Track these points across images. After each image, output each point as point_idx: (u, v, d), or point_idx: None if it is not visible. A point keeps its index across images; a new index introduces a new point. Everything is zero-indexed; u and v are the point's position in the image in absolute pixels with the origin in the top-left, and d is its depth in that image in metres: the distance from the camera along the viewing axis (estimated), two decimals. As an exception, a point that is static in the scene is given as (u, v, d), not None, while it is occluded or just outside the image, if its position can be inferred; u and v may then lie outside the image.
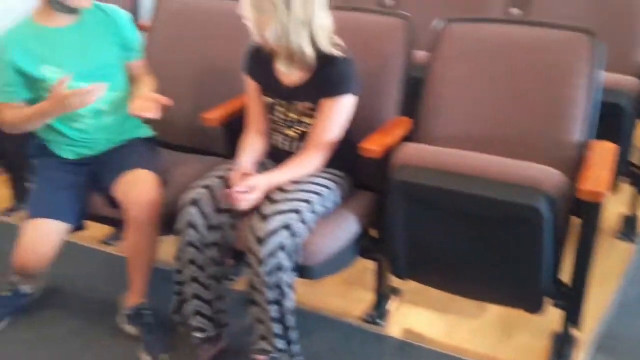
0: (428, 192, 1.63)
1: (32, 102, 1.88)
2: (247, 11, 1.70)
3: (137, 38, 2.02)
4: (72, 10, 1.84)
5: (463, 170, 1.62)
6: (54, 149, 1.94)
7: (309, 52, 1.71)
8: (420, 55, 2.02)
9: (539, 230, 1.51)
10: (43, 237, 1.82)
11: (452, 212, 1.63)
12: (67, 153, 1.93)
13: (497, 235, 1.59)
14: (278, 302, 1.67)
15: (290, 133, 1.85)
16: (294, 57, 1.72)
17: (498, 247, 1.61)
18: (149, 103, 1.84)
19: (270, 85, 1.84)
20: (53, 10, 1.83)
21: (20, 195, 2.63)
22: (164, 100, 1.86)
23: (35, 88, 1.87)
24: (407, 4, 2.82)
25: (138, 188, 1.82)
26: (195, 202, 1.73)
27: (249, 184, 1.68)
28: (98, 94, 1.75)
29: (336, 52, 1.74)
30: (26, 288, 2.03)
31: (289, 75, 1.79)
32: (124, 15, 1.98)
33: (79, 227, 1.93)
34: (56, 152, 1.94)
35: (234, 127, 1.98)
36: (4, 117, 1.85)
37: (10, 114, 1.84)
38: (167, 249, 1.90)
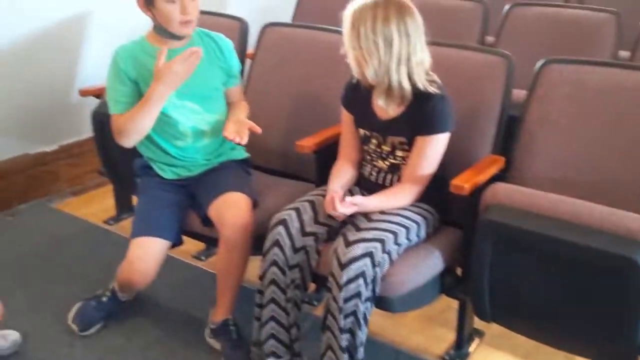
0: (517, 233, 1.59)
1: None
2: (347, 47, 1.73)
3: (238, 65, 2.11)
4: (177, 37, 1.93)
5: (555, 214, 1.57)
6: (156, 169, 2.03)
7: (407, 87, 1.73)
8: (520, 94, 1.99)
9: (635, 282, 1.44)
10: (147, 254, 1.90)
11: (542, 257, 1.58)
12: (168, 173, 2.03)
13: (589, 285, 1.52)
14: (351, 331, 1.67)
15: (381, 165, 1.87)
16: (391, 92, 1.75)
17: (589, 297, 1.54)
18: (242, 128, 1.91)
19: (366, 117, 1.87)
20: (161, 36, 1.94)
21: (123, 206, 2.81)
22: (256, 128, 1.92)
23: None
24: (510, 41, 2.80)
25: (232, 210, 1.88)
26: (283, 222, 1.77)
27: (353, 200, 1.70)
28: (198, 55, 1.80)
29: (432, 89, 1.75)
30: (123, 296, 2.13)
31: (385, 109, 1.81)
32: (228, 43, 2.07)
33: (178, 243, 2.02)
34: (158, 172, 2.03)
35: (326, 155, 2.02)
36: (118, 125, 1.92)
37: (122, 119, 1.90)
38: (255, 269, 1.95)
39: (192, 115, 1.98)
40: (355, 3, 1.73)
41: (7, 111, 2.80)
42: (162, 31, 1.91)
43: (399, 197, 1.79)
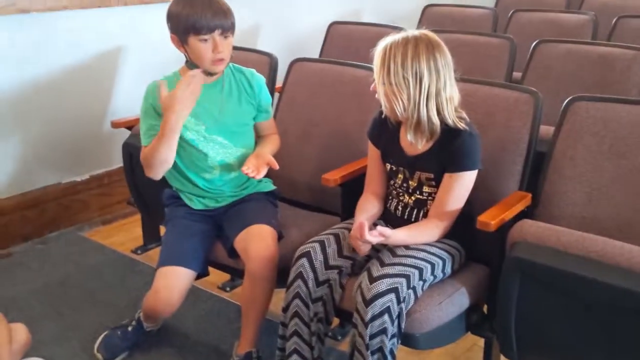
0: (544, 272, 1.57)
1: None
2: (378, 82, 1.76)
3: (268, 99, 2.13)
4: (208, 73, 1.97)
5: (583, 252, 1.55)
6: (184, 199, 2.06)
7: (436, 122, 1.75)
8: (547, 130, 1.99)
9: (666, 325, 1.41)
10: (172, 284, 1.91)
11: (569, 295, 1.56)
12: (196, 203, 2.05)
13: (617, 325, 1.50)
14: (378, 367, 1.65)
15: (408, 200, 1.88)
16: (420, 127, 1.76)
17: (617, 337, 1.51)
18: (260, 163, 1.93)
19: (392, 152, 1.88)
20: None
21: (150, 236, 2.84)
22: (273, 163, 1.95)
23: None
24: (537, 77, 2.81)
25: (257, 242, 1.90)
26: (306, 255, 1.78)
27: (382, 231, 1.69)
28: (197, 78, 1.83)
29: (461, 125, 1.76)
30: (148, 326, 2.15)
31: (413, 144, 1.82)
32: (260, 78, 2.10)
33: (204, 274, 2.03)
34: (186, 202, 2.06)
35: (352, 189, 2.03)
36: (143, 157, 1.95)
37: (146, 151, 1.93)
38: (279, 301, 1.95)
39: (220, 149, 2.01)
40: (386, 39, 1.76)
41: (43, 141, 2.88)
42: (194, 67, 1.95)
43: (426, 232, 1.79)
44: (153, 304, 1.94)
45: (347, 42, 3.40)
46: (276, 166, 1.96)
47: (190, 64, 1.97)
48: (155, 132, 1.93)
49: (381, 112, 1.92)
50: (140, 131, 1.99)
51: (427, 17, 3.92)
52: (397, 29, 3.19)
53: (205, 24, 1.85)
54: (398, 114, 1.76)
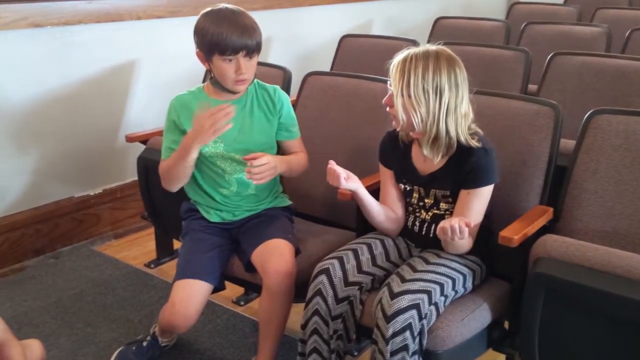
0: (568, 287, 1.55)
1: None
2: (396, 95, 1.73)
3: (292, 118, 2.09)
4: (232, 91, 1.95)
5: (607, 268, 1.53)
6: (202, 211, 2.05)
7: (454, 137, 1.73)
8: (566, 143, 1.97)
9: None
10: (189, 298, 1.89)
11: (593, 312, 1.53)
12: (213, 216, 2.03)
13: (645, 343, 1.47)
14: (400, 385, 1.63)
15: (424, 216, 1.86)
16: (437, 142, 1.74)
17: (646, 356, 1.48)
18: (266, 169, 1.87)
19: (405, 172, 1.87)
20: (217, 89, 1.96)
21: (164, 249, 2.83)
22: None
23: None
24: (552, 90, 2.79)
25: (275, 257, 1.88)
26: (325, 272, 1.76)
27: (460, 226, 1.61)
28: (228, 114, 1.79)
29: (473, 143, 1.74)
30: (163, 341, 2.13)
31: (426, 161, 1.81)
32: (283, 96, 2.06)
33: (220, 288, 2.01)
34: (203, 214, 2.04)
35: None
36: (160, 171, 1.95)
37: (163, 165, 1.94)
38: (297, 316, 1.93)
39: (238, 166, 1.99)
40: (404, 52, 1.74)
41: (57, 156, 2.88)
42: (217, 84, 1.94)
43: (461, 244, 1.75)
44: (170, 318, 1.92)
45: (358, 55, 3.40)
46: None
47: (215, 82, 1.95)
48: (176, 147, 1.92)
49: (389, 134, 1.92)
50: (162, 145, 1.99)
51: (438, 29, 3.91)
52: (409, 41, 3.23)
53: (231, 45, 1.83)
54: (415, 127, 1.74)
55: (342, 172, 1.77)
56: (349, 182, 1.79)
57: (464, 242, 1.73)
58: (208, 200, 2.04)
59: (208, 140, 1.84)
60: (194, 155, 1.87)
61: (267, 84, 2.07)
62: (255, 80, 2.01)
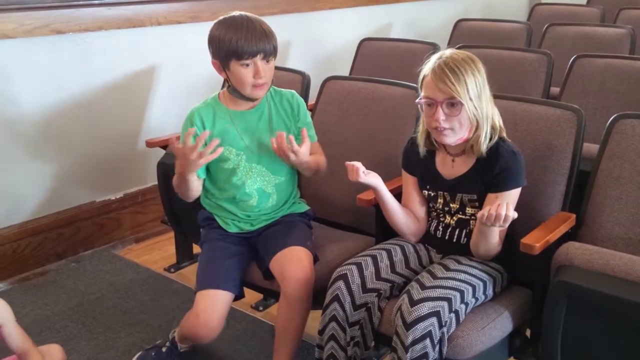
0: (591, 296, 1.52)
1: (210, 179, 2.00)
2: (465, 102, 1.68)
3: (310, 122, 2.08)
4: (249, 99, 1.94)
5: (631, 276, 1.50)
6: (219, 222, 2.03)
7: (486, 142, 1.72)
8: (589, 147, 1.93)
9: None
10: (213, 308, 1.89)
11: (617, 321, 1.50)
12: (231, 227, 2.02)
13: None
14: (419, 394, 1.61)
15: (449, 220, 1.84)
16: (474, 146, 1.73)
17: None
18: (287, 150, 1.85)
19: (430, 178, 1.85)
20: (234, 97, 1.95)
21: (184, 254, 2.84)
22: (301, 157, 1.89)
23: (213, 166, 1.96)
24: (575, 93, 2.75)
25: (294, 265, 1.87)
26: (343, 277, 1.75)
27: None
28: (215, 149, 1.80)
29: (503, 146, 1.73)
30: (182, 347, 2.13)
31: (452, 166, 1.79)
32: (301, 100, 2.06)
33: (240, 296, 2.00)
34: (221, 225, 2.03)
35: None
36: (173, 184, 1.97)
37: (173, 179, 1.94)
38: (315, 322, 1.92)
39: (258, 177, 1.98)
40: (439, 60, 1.71)
41: (78, 161, 2.91)
42: (235, 92, 1.94)
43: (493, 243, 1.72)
44: (194, 329, 1.91)
45: (377, 58, 3.39)
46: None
47: (232, 90, 1.94)
48: None
49: (411, 141, 1.91)
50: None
51: (458, 31, 3.88)
52: (428, 44, 3.21)
53: (248, 48, 1.83)
54: (481, 126, 1.72)
55: (362, 167, 1.76)
56: (368, 176, 1.77)
57: (496, 242, 1.70)
58: (226, 212, 2.03)
59: (197, 168, 1.85)
60: (191, 177, 1.88)
61: (283, 89, 2.06)
62: (272, 87, 2.00)
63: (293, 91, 2.08)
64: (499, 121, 1.76)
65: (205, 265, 1.98)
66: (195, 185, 1.93)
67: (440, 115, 1.69)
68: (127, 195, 3.08)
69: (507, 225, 1.59)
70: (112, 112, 2.97)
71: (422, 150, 1.85)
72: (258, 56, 1.85)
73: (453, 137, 1.73)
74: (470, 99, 1.68)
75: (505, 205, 1.57)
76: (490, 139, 1.74)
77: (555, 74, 2.91)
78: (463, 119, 1.70)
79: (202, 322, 1.88)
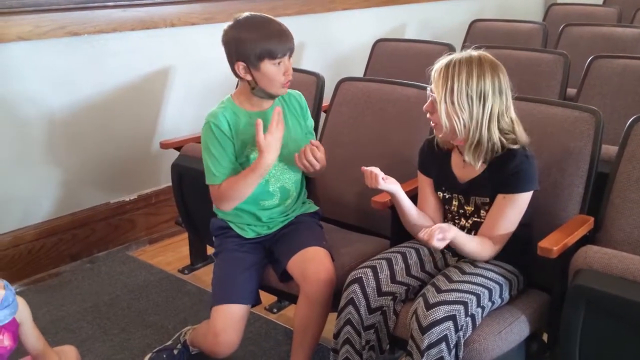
0: (611, 301, 1.50)
1: None
2: (439, 101, 1.69)
3: (312, 121, 2.12)
4: (273, 97, 1.95)
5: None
6: (235, 229, 2.01)
7: (497, 144, 1.70)
8: (607, 149, 1.91)
9: None
10: (232, 325, 1.88)
11: (637, 327, 1.48)
12: (249, 232, 2.01)
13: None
14: (435, 399, 1.59)
15: (464, 223, 1.83)
16: (480, 148, 1.71)
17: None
18: (313, 161, 1.89)
19: (445, 180, 1.84)
20: (253, 96, 1.94)
21: (198, 255, 2.84)
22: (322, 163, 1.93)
23: (237, 169, 1.94)
24: (592, 94, 2.72)
25: (315, 265, 1.86)
26: (358, 281, 1.74)
27: (443, 227, 1.64)
28: (280, 113, 1.85)
29: (516, 147, 1.71)
30: (194, 350, 2.12)
31: (466, 168, 1.78)
32: (304, 100, 2.08)
33: (257, 303, 1.99)
34: (237, 232, 2.01)
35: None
36: (220, 193, 1.92)
37: (224, 186, 1.90)
38: (330, 325, 1.91)
39: (281, 175, 1.98)
40: (447, 58, 1.72)
41: (93, 162, 2.92)
42: (260, 92, 1.92)
43: (483, 246, 1.72)
44: (213, 348, 1.90)
45: (392, 59, 3.37)
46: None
47: (258, 90, 1.92)
48: (231, 167, 1.91)
49: (428, 142, 1.90)
50: (206, 166, 1.93)
51: (473, 32, 3.85)
52: (443, 45, 3.18)
53: (281, 47, 1.85)
54: (458, 134, 1.71)
55: (380, 173, 1.75)
56: (388, 183, 1.76)
57: (472, 249, 1.71)
58: (246, 218, 2.00)
59: (278, 151, 1.87)
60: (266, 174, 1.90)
61: (290, 90, 2.06)
62: None
63: (298, 91, 2.09)
64: (516, 125, 1.72)
65: (221, 279, 1.95)
66: (257, 185, 1.91)
67: (427, 107, 1.75)
68: (141, 196, 3.09)
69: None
70: (126, 114, 2.98)
71: (440, 142, 1.84)
72: (287, 54, 1.87)
73: (444, 134, 1.74)
74: (452, 102, 1.67)
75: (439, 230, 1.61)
76: (503, 143, 1.71)
77: (572, 75, 2.87)
78: (441, 118, 1.70)
79: (222, 341, 1.88)
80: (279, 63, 1.86)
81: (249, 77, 1.90)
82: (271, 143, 1.84)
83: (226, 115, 1.93)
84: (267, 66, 1.86)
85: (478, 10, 4.73)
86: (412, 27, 4.40)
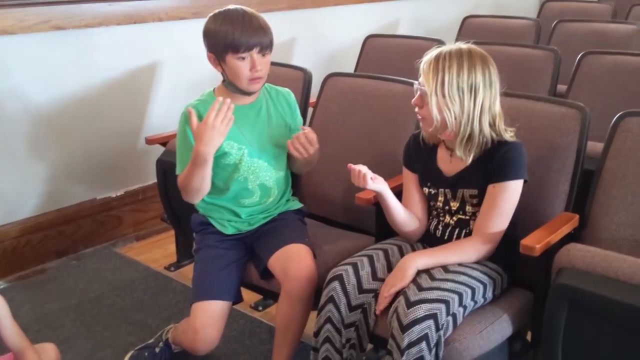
0: (592, 299, 1.47)
1: (213, 177, 1.89)
2: (429, 94, 1.66)
3: (301, 118, 2.08)
4: (245, 93, 1.91)
5: (635, 279, 1.45)
6: (216, 225, 1.99)
7: (488, 136, 1.69)
8: (594, 146, 1.88)
9: None
10: (211, 321, 1.86)
11: (622, 326, 1.45)
12: (229, 229, 1.98)
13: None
14: (414, 399, 1.57)
15: (449, 220, 1.80)
16: (471, 141, 1.69)
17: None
18: (306, 144, 1.85)
19: (430, 175, 1.81)
20: (230, 91, 1.92)
21: (184, 252, 2.81)
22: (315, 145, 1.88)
23: (215, 163, 1.88)
24: (583, 90, 2.69)
25: (296, 262, 1.83)
26: (338, 278, 1.71)
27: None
28: (229, 106, 1.75)
29: (506, 137, 1.70)
30: (176, 348, 2.10)
31: (452, 162, 1.76)
32: (293, 98, 2.05)
33: (238, 300, 1.97)
34: (218, 228, 1.98)
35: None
36: (179, 184, 1.89)
37: (180, 179, 1.88)
38: (311, 323, 1.89)
39: (261, 172, 1.95)
40: (436, 50, 1.69)
41: (78, 158, 2.89)
42: (231, 86, 1.90)
43: (465, 249, 1.71)
44: (193, 344, 1.88)
45: (383, 55, 3.34)
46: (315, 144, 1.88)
47: (228, 84, 1.91)
48: (188, 161, 1.85)
49: (414, 137, 1.88)
50: (177, 158, 1.92)
51: (466, 28, 3.83)
52: (434, 41, 3.15)
53: (244, 41, 1.80)
54: (448, 127, 1.68)
55: (369, 172, 1.72)
56: (376, 182, 1.74)
57: (462, 256, 1.69)
58: (226, 214, 1.98)
59: (222, 139, 1.77)
60: (209, 164, 1.80)
61: (279, 87, 2.03)
62: (266, 84, 1.97)
63: (287, 89, 2.06)
64: (500, 119, 1.71)
65: (201, 275, 1.93)
66: (206, 179, 1.83)
67: (416, 101, 1.72)
68: (128, 192, 3.06)
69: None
70: (113, 109, 2.95)
71: (426, 137, 1.82)
72: (254, 49, 1.82)
73: (434, 128, 1.71)
74: (444, 95, 1.64)
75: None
76: (492, 136, 1.69)
77: (564, 72, 2.85)
78: (431, 111, 1.67)
79: (201, 338, 1.85)
80: (243, 58, 1.82)
81: (219, 70, 1.89)
82: (202, 132, 1.74)
83: (200, 109, 1.88)
84: (232, 60, 1.83)
85: (472, 6, 4.70)
86: (405, 23, 4.37)
